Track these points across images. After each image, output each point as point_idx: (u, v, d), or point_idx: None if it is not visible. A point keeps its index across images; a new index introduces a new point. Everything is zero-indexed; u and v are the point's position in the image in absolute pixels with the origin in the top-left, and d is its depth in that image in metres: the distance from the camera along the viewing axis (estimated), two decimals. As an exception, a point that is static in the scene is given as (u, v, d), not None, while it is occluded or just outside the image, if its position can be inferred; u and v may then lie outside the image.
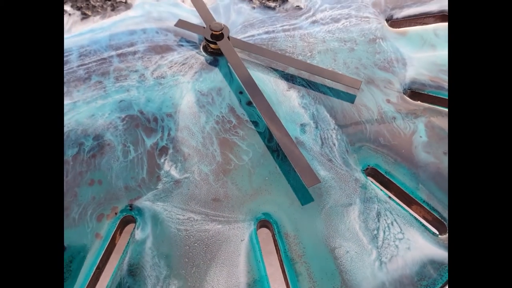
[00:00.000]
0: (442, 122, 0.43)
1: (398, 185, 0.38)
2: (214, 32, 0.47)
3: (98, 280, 0.34)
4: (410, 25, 0.55)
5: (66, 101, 0.44)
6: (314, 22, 0.54)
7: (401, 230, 0.36)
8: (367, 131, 0.42)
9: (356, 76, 0.47)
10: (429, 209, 0.37)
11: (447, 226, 0.36)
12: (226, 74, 0.47)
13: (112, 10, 0.55)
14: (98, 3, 0.55)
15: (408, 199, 0.38)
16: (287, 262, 0.34)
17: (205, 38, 0.49)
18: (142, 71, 0.47)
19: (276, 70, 0.48)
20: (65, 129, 0.41)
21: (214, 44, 0.48)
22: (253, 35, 0.52)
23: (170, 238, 0.35)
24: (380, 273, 0.33)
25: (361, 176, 0.39)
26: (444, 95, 0.45)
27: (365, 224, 0.36)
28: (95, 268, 0.34)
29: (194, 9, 0.53)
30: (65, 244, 0.34)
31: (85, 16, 0.54)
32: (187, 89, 0.45)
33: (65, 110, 0.43)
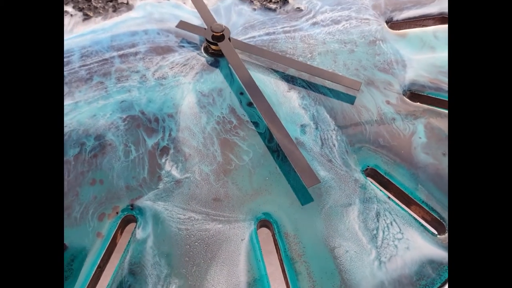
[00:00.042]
0: (442, 124, 0.43)
1: (397, 185, 0.39)
2: (215, 34, 0.48)
3: (99, 279, 0.34)
4: (410, 27, 0.55)
5: (68, 101, 0.44)
6: (314, 23, 0.54)
7: (400, 230, 0.36)
8: (367, 132, 0.42)
9: (356, 78, 0.47)
10: (428, 210, 0.37)
11: (446, 226, 0.36)
12: (227, 75, 0.48)
13: (114, 11, 0.55)
14: (99, 4, 0.56)
15: (407, 200, 0.38)
16: (287, 262, 0.34)
17: (206, 39, 0.49)
18: (143, 71, 0.47)
19: (276, 71, 0.48)
20: (67, 129, 0.42)
21: (215, 45, 0.49)
22: (253, 37, 0.52)
23: (171, 237, 0.35)
24: (379, 273, 0.33)
25: (360, 177, 0.39)
26: (444, 96, 0.46)
27: (365, 224, 0.36)
28: (96, 267, 0.34)
29: (195, 10, 0.53)
30: (67, 243, 0.35)
31: (86, 17, 0.54)
32: (188, 89, 0.46)
33: (66, 110, 0.43)
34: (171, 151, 0.40)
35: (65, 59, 0.49)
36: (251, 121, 0.43)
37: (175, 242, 0.35)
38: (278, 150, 0.41)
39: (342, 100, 0.45)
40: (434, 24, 0.55)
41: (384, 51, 0.50)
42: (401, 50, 0.51)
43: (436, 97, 0.46)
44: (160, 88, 0.46)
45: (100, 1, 0.56)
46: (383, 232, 0.36)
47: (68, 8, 0.55)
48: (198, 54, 0.50)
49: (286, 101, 0.45)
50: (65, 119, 0.42)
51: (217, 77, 0.47)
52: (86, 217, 0.36)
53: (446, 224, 0.36)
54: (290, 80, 0.47)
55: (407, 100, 0.46)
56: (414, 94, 0.46)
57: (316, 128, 0.42)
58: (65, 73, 0.47)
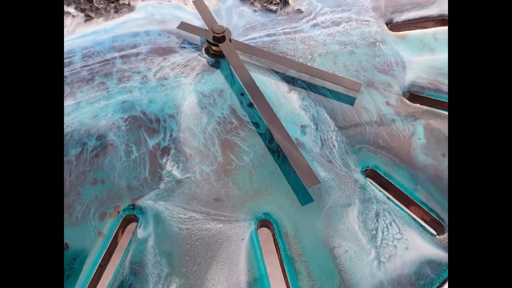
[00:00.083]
0: (441, 125, 0.44)
1: (397, 186, 0.39)
2: (216, 35, 0.48)
3: (100, 278, 0.35)
4: (409, 29, 0.55)
5: (70, 102, 0.44)
6: (314, 25, 0.54)
7: (399, 230, 0.36)
8: (367, 133, 0.43)
9: (356, 79, 0.47)
10: (427, 210, 0.38)
11: (445, 226, 0.37)
12: (228, 76, 0.48)
13: (116, 12, 0.55)
14: (101, 5, 0.56)
15: (406, 200, 0.39)
16: (287, 261, 0.34)
17: (207, 40, 0.49)
18: (144, 72, 0.48)
19: (277, 72, 0.49)
20: (69, 129, 0.42)
21: (216, 46, 0.49)
22: (254, 38, 0.52)
23: (172, 237, 0.35)
24: (379, 273, 0.34)
25: (360, 177, 0.39)
26: (443, 98, 0.46)
27: (364, 224, 0.36)
28: (97, 266, 0.34)
29: (196, 11, 0.54)
30: (68, 242, 0.35)
31: (88, 18, 0.54)
32: (189, 90, 0.46)
33: (68, 111, 0.44)
34: (172, 151, 0.40)
35: (67, 60, 0.49)
36: (252, 122, 0.43)
37: (176, 242, 0.35)
38: (278, 150, 0.41)
39: (342, 101, 0.46)
40: (434, 26, 0.55)
41: (384, 53, 0.51)
42: (401, 51, 0.51)
43: (436, 98, 0.46)
44: (162, 88, 0.46)
45: (102, 2, 0.56)
46: (383, 232, 0.36)
47: (70, 9, 0.55)
48: (199, 55, 0.50)
49: (287, 102, 0.45)
50: (67, 119, 0.43)
51: (218, 78, 0.48)
52: (88, 217, 0.36)
53: (445, 224, 0.37)
54: (291, 81, 0.48)
55: (407, 101, 0.46)
56: (414, 95, 0.47)
57: (316, 129, 0.43)
58: (67, 73, 0.47)
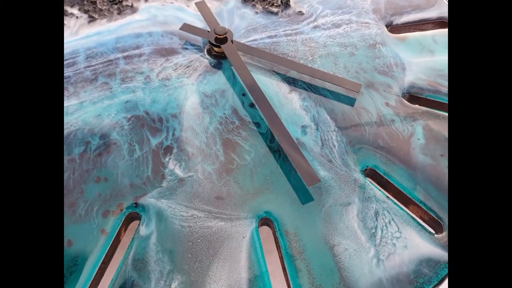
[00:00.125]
0: (440, 125, 0.44)
1: (396, 185, 0.39)
2: (218, 36, 0.49)
3: (103, 275, 0.35)
4: (409, 31, 0.56)
5: (73, 101, 0.45)
6: (315, 27, 0.55)
7: (398, 229, 0.36)
8: (367, 133, 0.43)
9: (356, 80, 0.48)
10: (426, 209, 0.38)
11: (443, 225, 0.37)
12: (230, 76, 0.48)
13: (119, 13, 0.56)
14: (105, 7, 0.57)
15: (405, 199, 0.39)
16: (287, 259, 0.35)
17: (209, 42, 0.50)
18: (147, 73, 0.48)
19: (278, 73, 0.49)
20: (72, 128, 0.43)
21: (218, 47, 0.49)
22: (256, 39, 0.53)
23: (174, 234, 0.36)
24: (378, 270, 0.34)
25: (360, 177, 0.40)
26: (442, 99, 0.46)
27: (364, 223, 0.37)
28: (100, 262, 0.34)
29: (199, 13, 0.54)
30: (72, 239, 0.35)
31: (92, 19, 0.55)
32: (191, 90, 0.46)
33: (72, 110, 0.44)
34: (175, 150, 0.41)
35: (70, 60, 0.50)
36: (253, 122, 0.44)
37: (178, 239, 0.35)
38: (279, 150, 0.41)
39: (342, 102, 0.46)
40: (433, 28, 0.56)
41: (384, 54, 0.51)
42: (401, 53, 0.52)
43: (435, 99, 0.47)
44: (164, 89, 0.46)
45: (105, 4, 0.57)
46: (382, 230, 0.36)
47: (73, 10, 0.56)
48: (201, 56, 0.51)
49: (288, 102, 0.46)
50: (70, 118, 0.43)
51: (220, 79, 0.48)
52: (91, 214, 0.37)
53: (443, 223, 0.37)
54: (292, 82, 0.48)
55: (406, 102, 0.47)
56: (413, 96, 0.47)
57: (317, 129, 0.43)
58: (70, 73, 0.48)
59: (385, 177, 0.40)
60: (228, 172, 0.40)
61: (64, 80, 0.47)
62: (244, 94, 0.46)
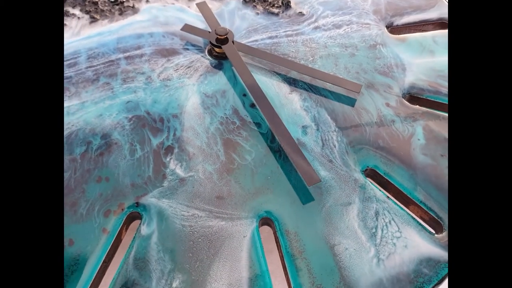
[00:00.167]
0: (440, 126, 0.44)
1: (396, 185, 0.40)
2: (219, 37, 0.49)
3: (104, 274, 0.35)
4: (409, 32, 0.56)
5: (75, 101, 0.45)
6: (316, 28, 0.55)
7: (398, 228, 0.37)
8: (367, 134, 0.43)
9: (356, 81, 0.48)
10: (426, 209, 0.38)
11: (443, 225, 0.37)
12: (230, 77, 0.49)
13: (120, 14, 0.56)
14: (106, 8, 0.57)
15: (405, 199, 0.39)
16: (288, 258, 0.35)
17: (210, 42, 0.50)
18: (149, 73, 0.48)
19: (279, 74, 0.49)
20: (74, 128, 0.43)
21: (219, 48, 0.50)
22: (256, 40, 0.53)
23: (175, 234, 0.36)
24: (378, 270, 0.34)
25: (360, 177, 0.40)
26: (442, 99, 0.47)
27: (364, 223, 0.37)
28: (101, 261, 0.35)
29: (200, 14, 0.55)
30: (73, 238, 0.36)
31: (93, 20, 0.55)
32: (192, 91, 0.47)
33: (73, 110, 0.44)
34: (176, 150, 0.41)
35: (72, 60, 0.50)
36: (254, 122, 0.44)
37: (179, 238, 0.35)
38: (279, 150, 0.42)
39: (342, 102, 0.46)
40: (434, 29, 0.56)
41: (384, 55, 0.52)
42: (401, 54, 0.52)
43: (435, 100, 0.47)
44: (165, 89, 0.47)
45: (107, 5, 0.57)
46: (382, 230, 0.36)
47: (75, 11, 0.56)
48: (202, 56, 0.51)
49: (288, 102, 0.46)
50: (72, 118, 0.44)
51: (220, 79, 0.48)
52: (92, 214, 0.37)
53: (443, 223, 0.37)
54: (292, 82, 0.48)
55: (407, 103, 0.47)
56: (413, 97, 0.48)
57: (317, 129, 0.43)
58: (72, 74, 0.48)
59: (385, 177, 0.40)
60: (229, 172, 0.40)
61: (66, 80, 0.47)
62: (245, 95, 0.47)
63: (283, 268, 0.35)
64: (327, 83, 0.48)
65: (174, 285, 0.33)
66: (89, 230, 0.36)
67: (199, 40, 0.53)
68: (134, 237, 0.36)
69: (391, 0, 0.60)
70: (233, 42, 0.50)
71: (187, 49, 0.52)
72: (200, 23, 0.55)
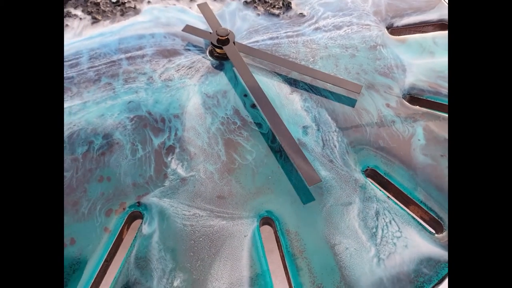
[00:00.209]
0: (440, 126, 0.44)
1: (396, 185, 0.40)
2: (220, 37, 0.49)
3: (106, 272, 0.35)
4: (409, 33, 0.56)
5: (77, 101, 0.45)
6: (316, 29, 0.55)
7: (399, 228, 0.37)
8: (367, 134, 0.43)
9: (357, 81, 0.48)
10: (426, 209, 0.38)
11: (443, 225, 0.37)
12: (231, 77, 0.49)
13: (122, 15, 0.57)
14: (108, 8, 0.57)
15: (406, 200, 0.39)
16: (289, 258, 0.35)
17: (212, 43, 0.50)
18: (150, 73, 0.49)
19: (279, 74, 0.50)
20: (76, 128, 0.43)
21: (220, 48, 0.50)
22: (257, 41, 0.53)
23: (176, 233, 0.36)
24: (378, 269, 0.34)
25: (360, 177, 0.40)
26: (442, 100, 0.47)
27: (364, 223, 0.37)
28: (103, 260, 0.35)
29: (201, 15, 0.55)
30: (75, 237, 0.36)
31: (95, 21, 0.55)
32: (193, 91, 0.47)
33: (75, 110, 0.45)
34: (177, 150, 0.41)
35: (74, 61, 0.50)
36: (255, 122, 0.44)
37: (180, 238, 0.36)
38: (280, 150, 0.42)
39: (343, 103, 0.47)
40: (434, 30, 0.57)
41: (385, 56, 0.52)
42: (401, 55, 0.52)
43: (435, 101, 0.47)
44: (167, 89, 0.47)
45: (108, 5, 0.58)
46: (382, 230, 0.37)
47: (77, 11, 0.56)
48: (203, 57, 0.51)
49: (289, 103, 0.46)
50: (73, 118, 0.44)
51: (221, 80, 0.49)
52: (94, 213, 0.37)
53: (444, 223, 0.37)
54: (293, 83, 0.49)
55: (407, 103, 0.47)
56: (414, 97, 0.48)
57: (318, 130, 0.44)
58: (74, 74, 0.48)
59: (385, 177, 0.40)
60: (230, 172, 0.40)
61: (68, 80, 0.48)
62: (245, 95, 0.47)
63: (283, 267, 0.35)
64: (328, 84, 0.48)
65: (175, 284, 0.33)
66: (90, 229, 0.36)
67: (200, 41, 0.53)
68: (135, 236, 0.36)
69: (391, 1, 0.60)
70: (234, 43, 0.50)
71: (189, 49, 0.52)
72: (201, 24, 0.55)
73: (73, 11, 0.56)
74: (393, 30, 0.56)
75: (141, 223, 0.37)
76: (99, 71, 0.49)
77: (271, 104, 0.43)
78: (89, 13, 0.56)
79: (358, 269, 0.34)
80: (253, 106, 0.46)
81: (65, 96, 0.46)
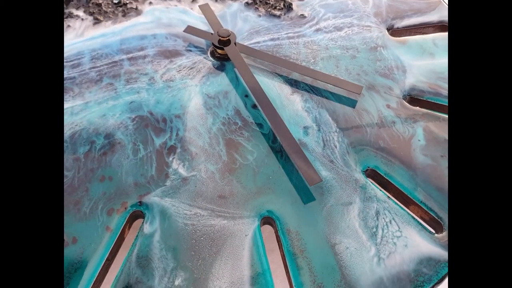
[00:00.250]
0: (440, 127, 0.45)
1: (396, 186, 0.40)
2: (221, 38, 0.49)
3: (107, 271, 0.36)
4: (410, 34, 0.57)
5: (79, 102, 0.46)
6: (317, 30, 0.56)
7: (399, 228, 0.37)
8: (368, 134, 0.44)
9: (357, 82, 0.49)
10: (426, 209, 0.38)
11: (443, 225, 0.37)
12: (232, 78, 0.49)
13: (123, 16, 0.57)
14: (109, 9, 0.57)
15: (406, 200, 0.40)
16: (289, 257, 0.35)
17: (213, 44, 0.51)
18: (151, 74, 0.49)
19: (280, 75, 0.50)
20: (77, 127, 0.43)
21: (221, 49, 0.50)
22: (258, 42, 0.54)
23: (178, 232, 0.36)
24: (378, 269, 0.35)
25: (361, 177, 0.40)
26: (442, 101, 0.47)
27: (365, 222, 0.37)
28: (105, 259, 0.35)
29: (202, 16, 0.55)
30: (76, 236, 0.36)
31: (97, 21, 0.56)
32: (195, 92, 0.47)
33: (77, 110, 0.45)
34: (178, 150, 0.42)
35: (76, 61, 0.50)
36: (256, 123, 0.44)
37: (182, 237, 0.36)
38: (281, 150, 0.42)
39: (343, 104, 0.47)
40: (434, 31, 0.57)
41: (385, 57, 0.52)
42: (402, 56, 0.52)
43: (435, 101, 0.47)
44: (168, 90, 0.47)
45: (110, 6, 0.58)
46: (383, 230, 0.37)
47: (79, 12, 0.57)
48: (204, 58, 0.52)
49: (290, 103, 0.47)
50: (75, 118, 0.44)
51: (223, 80, 0.49)
52: (96, 212, 0.37)
53: (443, 223, 0.38)
54: (294, 83, 0.49)
55: (407, 104, 0.47)
56: (414, 98, 0.48)
57: (319, 130, 0.44)
58: (75, 74, 0.49)
59: (386, 177, 0.40)
60: (231, 172, 0.40)
61: (70, 80, 0.48)
62: (246, 96, 0.47)
63: (284, 266, 0.36)
64: (328, 85, 0.48)
65: (176, 283, 0.33)
66: (92, 229, 0.36)
67: (202, 42, 0.54)
68: (137, 236, 0.36)
69: (391, 3, 0.60)
70: (235, 43, 0.50)
71: (190, 50, 0.52)
72: (203, 25, 0.55)
73: (75, 12, 0.57)
74: (394, 31, 0.57)
75: (143, 223, 0.37)
76: (100, 72, 0.49)
77: (272, 104, 0.44)
78: (91, 14, 0.57)
79: (359, 268, 0.35)
80: (254, 106, 0.46)
81: (67, 96, 0.46)
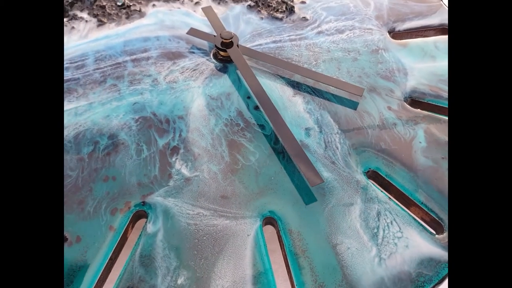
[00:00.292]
0: (441, 129, 0.45)
1: (397, 187, 0.40)
2: (224, 40, 0.50)
3: (111, 270, 0.36)
4: (411, 37, 0.57)
5: (83, 102, 0.46)
6: (319, 32, 0.56)
7: (400, 229, 0.37)
8: (369, 136, 0.44)
9: (359, 84, 0.49)
10: (427, 210, 0.39)
11: (444, 226, 0.38)
12: (235, 80, 0.50)
13: (127, 18, 0.57)
14: (113, 11, 0.58)
15: (407, 201, 0.40)
16: (291, 257, 0.36)
17: (216, 46, 0.51)
18: (155, 75, 0.49)
19: (282, 77, 0.50)
20: (81, 128, 0.44)
21: (224, 51, 0.51)
22: (261, 44, 0.54)
23: (180, 232, 0.36)
24: (380, 269, 0.35)
25: (362, 178, 0.41)
26: (443, 103, 0.47)
27: (366, 223, 0.37)
28: (108, 258, 0.35)
29: (205, 18, 0.56)
30: (80, 235, 0.36)
31: (101, 23, 0.56)
32: (197, 93, 0.48)
33: (81, 111, 0.45)
34: (181, 150, 0.42)
35: (80, 63, 0.51)
36: (258, 124, 0.45)
37: (184, 236, 0.36)
38: (283, 151, 0.42)
39: (345, 106, 0.47)
40: (435, 34, 0.57)
41: (386, 60, 0.52)
42: (403, 59, 0.53)
43: (436, 104, 0.48)
44: (171, 91, 0.48)
45: (114, 8, 0.58)
46: (384, 230, 0.37)
47: (83, 14, 0.57)
48: (207, 60, 0.52)
49: (292, 105, 0.47)
50: (79, 118, 0.44)
51: (225, 82, 0.49)
52: (99, 211, 0.38)
53: (444, 224, 0.38)
54: (296, 85, 0.49)
55: (408, 106, 0.48)
56: (415, 101, 0.48)
57: (320, 132, 0.44)
58: (79, 75, 0.49)
59: (387, 179, 0.41)
60: (233, 172, 0.41)
61: (74, 82, 0.48)
62: (249, 97, 0.47)
63: (286, 266, 0.36)
64: (330, 87, 0.49)
65: (179, 282, 0.34)
66: (96, 228, 0.37)
67: (205, 44, 0.54)
68: (140, 235, 0.37)
69: (393, 6, 0.61)
70: (238, 46, 0.51)
71: (193, 52, 0.53)
72: (206, 27, 0.56)
73: (79, 14, 0.57)
74: (395, 34, 0.57)
75: (146, 222, 0.37)
76: (104, 73, 0.49)
77: (274, 106, 0.44)
78: (95, 16, 0.57)
79: (360, 268, 0.35)
80: (256, 108, 0.46)
81: (71, 97, 0.47)
